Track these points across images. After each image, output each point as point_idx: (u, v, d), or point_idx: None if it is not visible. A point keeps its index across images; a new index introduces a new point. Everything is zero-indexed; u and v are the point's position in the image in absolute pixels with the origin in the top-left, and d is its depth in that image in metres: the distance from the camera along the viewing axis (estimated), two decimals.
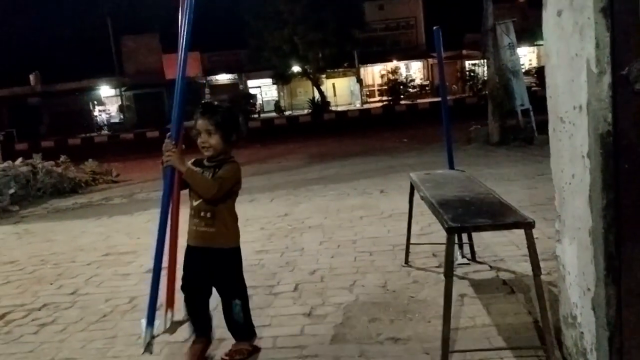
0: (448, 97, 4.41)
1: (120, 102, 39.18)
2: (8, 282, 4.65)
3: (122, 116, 38.83)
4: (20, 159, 10.73)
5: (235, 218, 2.80)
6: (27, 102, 39.10)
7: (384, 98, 35.10)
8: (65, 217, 7.93)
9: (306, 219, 6.04)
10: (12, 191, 9.41)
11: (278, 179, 9.71)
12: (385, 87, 36.44)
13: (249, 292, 3.79)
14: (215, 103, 2.78)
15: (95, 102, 40.10)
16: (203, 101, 2.77)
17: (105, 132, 36.19)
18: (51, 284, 4.50)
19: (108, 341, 3.23)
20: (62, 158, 11.65)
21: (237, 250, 2.84)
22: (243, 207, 7.15)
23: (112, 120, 38.92)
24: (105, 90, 40.48)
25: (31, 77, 40.07)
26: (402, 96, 34.45)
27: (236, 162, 2.75)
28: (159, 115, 36.01)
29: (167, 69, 39.63)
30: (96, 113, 39.52)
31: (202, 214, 2.72)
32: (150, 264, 4.75)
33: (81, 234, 6.49)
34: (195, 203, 2.75)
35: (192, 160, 2.75)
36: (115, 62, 37.81)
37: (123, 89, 38.58)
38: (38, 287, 4.43)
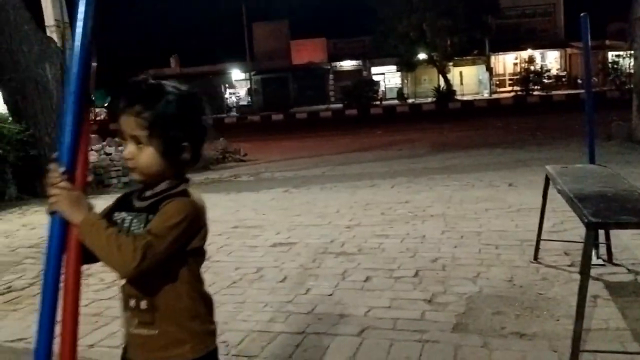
0: (591, 89, 4.11)
1: (249, 86, 41.03)
2: None
3: (250, 99, 40.68)
4: None
5: (197, 304, 1.45)
6: None
7: (515, 88, 33.42)
8: (199, 190, 8.45)
9: (427, 208, 5.96)
10: None
11: (399, 166, 9.67)
12: (517, 77, 34.68)
13: (368, 273, 3.89)
14: (155, 82, 1.45)
15: (227, 85, 42.37)
16: (132, 79, 1.44)
17: (234, 113, 38.11)
18: None
19: (238, 305, 3.43)
20: None
21: None
22: (363, 192, 7.30)
23: (241, 103, 40.92)
24: (236, 74, 42.59)
25: (171, 60, 43.18)
26: (535, 87, 32.59)
27: (188, 196, 1.41)
28: (284, 99, 37.25)
29: (294, 55, 40.81)
30: (227, 95, 41.76)
31: (133, 303, 1.44)
32: (274, 239, 5.03)
33: (213, 207, 6.88)
34: (121, 283, 1.46)
35: (118, 197, 1.52)
36: (247, 48, 39.59)
37: (252, 73, 40.32)
38: None
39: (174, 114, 1.40)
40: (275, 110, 32.85)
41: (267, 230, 5.40)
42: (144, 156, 1.40)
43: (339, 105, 34.40)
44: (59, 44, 8.94)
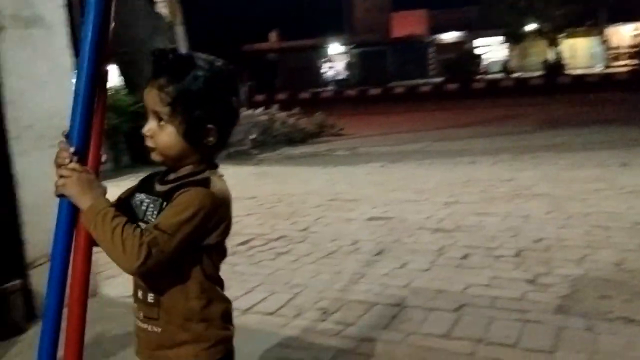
0: None
1: (346, 60, 40.95)
2: (250, 215, 5.30)
3: (347, 73, 40.63)
4: (261, 109, 11.99)
5: (207, 306, 1.29)
6: (266, 58, 43.06)
7: (632, 62, 30.81)
8: (296, 164, 8.71)
9: (532, 186, 5.71)
10: (253, 137, 10.61)
11: (501, 142, 9.31)
12: (636, 50, 31.94)
13: (466, 250, 3.82)
14: (185, 53, 1.41)
15: (324, 59, 42.54)
16: (158, 48, 1.36)
17: (331, 87, 38.31)
18: (286, 219, 5.03)
19: (334, 275, 3.51)
20: (295, 110, 12.70)
21: None
22: (462, 169, 7.13)
23: (338, 77, 40.97)
24: (333, 48, 42.60)
25: (271, 34, 43.97)
26: None
27: (207, 186, 1.23)
28: (382, 73, 36.84)
29: (394, 27, 40.08)
30: (324, 69, 41.96)
31: (140, 294, 1.33)
32: (370, 213, 5.06)
33: (310, 180, 7.08)
34: None
35: (144, 176, 1.38)
36: (345, 21, 39.42)
37: (350, 46, 40.17)
38: (275, 221, 4.98)
39: (201, 91, 1.23)
40: (372, 85, 32.59)
41: (363, 204, 5.44)
42: (164, 135, 1.25)
43: (439, 80, 33.51)
44: (169, 19, 9.40)
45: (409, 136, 11.28)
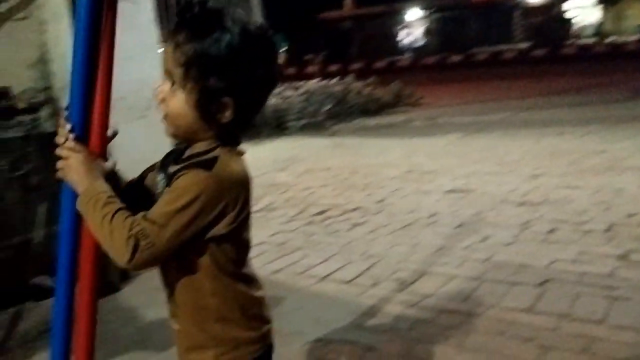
0: None
1: (424, 26, 39.78)
2: (326, 186, 5.33)
3: (425, 40, 39.52)
4: (336, 78, 11.92)
5: (225, 305, 1.15)
6: (340, 26, 42.63)
7: None
8: (372, 135, 8.63)
9: (626, 159, 5.35)
10: (328, 107, 10.60)
11: (593, 112, 8.76)
12: None
13: (553, 224, 3.66)
14: (215, 7, 1.09)
15: (401, 26, 41.53)
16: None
17: (408, 55, 37.46)
18: (361, 190, 5.01)
19: (412, 247, 3.48)
20: (370, 80, 12.53)
21: None
22: (549, 140, 6.79)
23: (416, 44, 39.94)
24: (411, 14, 41.44)
25: (346, 2, 43.35)
26: None
27: (210, 169, 1.05)
28: (463, 39, 35.55)
29: None
30: (401, 37, 41.00)
31: (163, 287, 1.22)
32: (450, 185, 4.94)
33: (386, 151, 7.00)
34: None
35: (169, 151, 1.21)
36: None
37: (429, 11, 38.96)
38: (350, 192, 4.98)
39: (221, 56, 1.04)
40: (453, 51, 31.55)
41: (442, 176, 5.32)
42: (174, 101, 1.08)
43: (526, 45, 31.88)
44: None
45: (492, 105, 10.86)
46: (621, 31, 33.39)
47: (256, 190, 4.88)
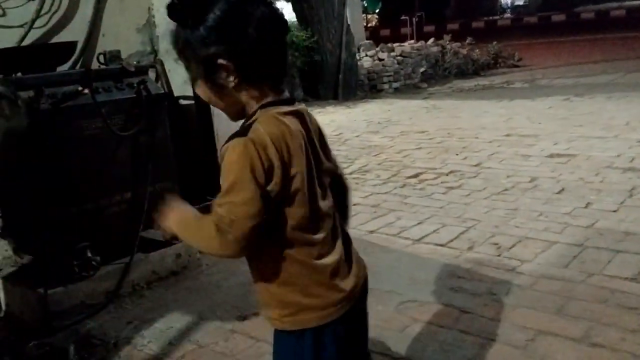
0: None
1: None
2: (420, 149, 5.28)
3: None
4: (431, 40, 11.61)
5: (288, 270, 1.15)
6: None
7: None
8: (468, 97, 8.38)
9: None
10: (422, 69, 10.39)
11: None
12: None
13: (623, 196, 3.43)
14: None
15: None
16: None
17: (508, 15, 35.54)
18: (457, 154, 4.93)
19: (510, 212, 3.40)
20: (468, 40, 12.08)
21: (291, 341, 1.19)
22: (601, 104, 6.30)
23: (516, 2, 37.76)
24: None
25: None
26: None
27: (245, 135, 1.07)
28: None
29: None
30: None
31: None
32: (551, 149, 4.73)
33: (483, 114, 6.79)
34: None
35: None
36: None
37: None
38: (445, 156, 4.91)
39: (209, 26, 1.06)
40: (556, 10, 29.56)
41: (543, 140, 5.11)
42: (202, 92, 1.15)
43: (637, 2, 29.25)
44: None
45: (598, 67, 10.17)
46: None
47: (350, 152, 4.99)
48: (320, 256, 1.15)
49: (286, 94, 1.15)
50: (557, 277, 2.51)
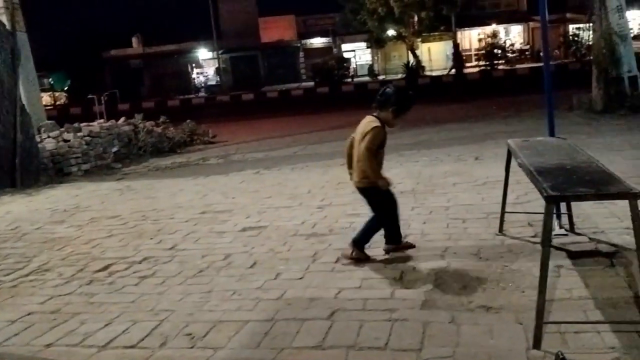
0: (550, 63, 4.14)
1: (217, 65, 40.28)
2: (111, 236, 4.94)
3: (218, 79, 39.96)
4: (122, 119, 11.34)
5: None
6: (129, 64, 41.11)
7: (481, 63, 33.56)
8: (165, 176, 8.32)
9: (398, 184, 5.88)
10: (115, 149, 9.98)
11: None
12: (483, 52, 34.84)
13: (340, 253, 3.84)
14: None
15: (194, 65, 41.48)
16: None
17: (202, 94, 37.47)
18: (151, 238, 4.75)
19: (204, 295, 3.35)
20: (162, 119, 12.18)
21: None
22: (335, 171, 7.24)
23: (209, 83, 40.15)
24: (203, 53, 41.69)
25: (133, 40, 42.03)
26: (500, 61, 32.78)
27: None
28: (254, 78, 36.73)
29: (263, 33, 40.17)
30: (194, 75, 40.91)
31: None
32: (244, 223, 4.93)
33: (179, 192, 6.78)
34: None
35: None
36: (213, 26, 38.72)
37: (220, 51, 39.60)
38: (139, 241, 4.68)
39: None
40: (245, 90, 32.40)
41: (237, 215, 5.31)
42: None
43: (311, 84, 34.12)
44: (8, 27, 8.57)
45: (284, 141, 11.30)
46: (389, 70, 37.68)
47: (28, 249, 4.36)
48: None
49: None
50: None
